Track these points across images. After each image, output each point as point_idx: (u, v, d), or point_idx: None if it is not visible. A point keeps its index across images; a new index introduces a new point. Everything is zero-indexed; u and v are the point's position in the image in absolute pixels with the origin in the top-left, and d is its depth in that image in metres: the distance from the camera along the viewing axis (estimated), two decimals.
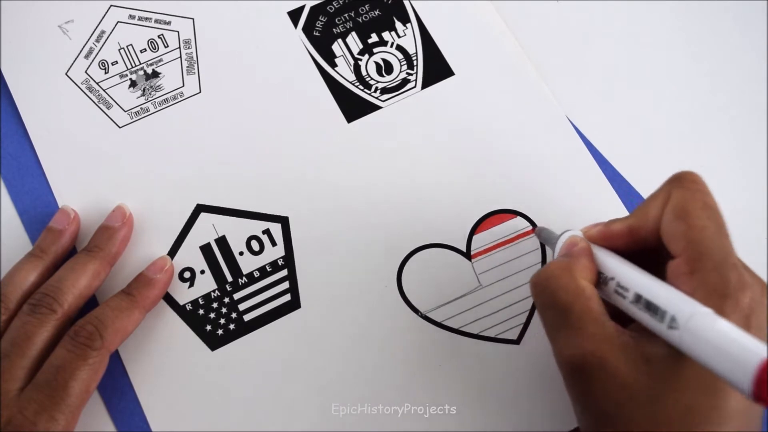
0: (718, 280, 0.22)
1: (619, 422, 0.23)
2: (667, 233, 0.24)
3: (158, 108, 0.36)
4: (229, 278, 0.33)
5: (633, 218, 0.26)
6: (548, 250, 0.33)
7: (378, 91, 0.36)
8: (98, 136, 0.35)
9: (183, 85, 0.36)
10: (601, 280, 0.26)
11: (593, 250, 0.26)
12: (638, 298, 0.23)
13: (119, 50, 0.37)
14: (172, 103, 0.36)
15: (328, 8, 0.38)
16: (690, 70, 0.37)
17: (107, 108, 0.36)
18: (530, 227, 0.34)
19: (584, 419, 0.25)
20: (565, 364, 0.24)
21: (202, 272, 0.33)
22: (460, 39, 0.37)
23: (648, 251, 0.26)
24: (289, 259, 0.33)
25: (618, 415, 0.23)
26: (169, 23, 0.37)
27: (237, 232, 0.34)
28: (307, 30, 0.37)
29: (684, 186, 0.25)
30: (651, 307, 0.23)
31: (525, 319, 0.32)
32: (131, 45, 0.37)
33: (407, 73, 0.37)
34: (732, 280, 0.22)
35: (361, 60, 0.37)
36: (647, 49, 0.38)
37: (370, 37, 0.37)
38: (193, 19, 0.37)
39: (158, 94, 0.36)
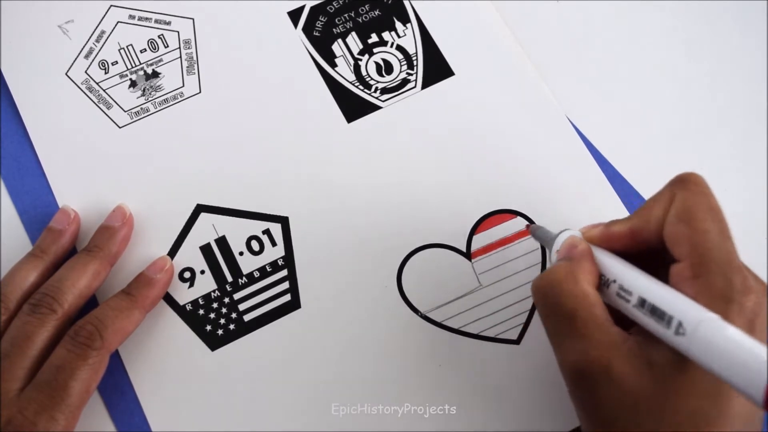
0: (722, 285, 0.22)
1: (624, 428, 0.22)
2: (670, 236, 0.24)
3: (158, 108, 0.36)
4: (229, 278, 0.33)
5: (635, 219, 0.26)
6: (547, 249, 0.33)
7: (378, 91, 0.36)
8: (98, 136, 0.35)
9: (183, 85, 0.36)
10: (602, 282, 0.25)
11: (594, 252, 0.26)
12: (642, 303, 0.23)
13: (119, 50, 0.37)
14: (172, 103, 0.36)
15: (328, 8, 0.38)
16: (690, 71, 0.37)
17: (107, 108, 0.36)
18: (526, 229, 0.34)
19: (588, 425, 0.24)
20: (570, 371, 0.24)
21: (202, 272, 0.33)
22: (460, 39, 0.37)
23: (648, 253, 0.26)
24: (289, 259, 0.33)
25: (623, 421, 0.22)
26: (169, 23, 0.37)
27: (237, 232, 0.34)
28: (307, 30, 0.37)
29: (688, 188, 0.24)
30: (656, 312, 0.22)
31: (525, 319, 0.32)
32: (131, 45, 0.37)
33: (407, 73, 0.37)
34: (736, 284, 0.22)
35: (361, 60, 0.37)
36: (647, 49, 0.38)
37: (370, 37, 0.37)
38: (193, 19, 0.37)
39: (158, 94, 0.36)
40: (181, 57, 0.37)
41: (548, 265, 0.28)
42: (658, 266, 0.25)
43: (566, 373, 0.25)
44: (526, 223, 0.34)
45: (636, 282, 0.24)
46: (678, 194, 0.24)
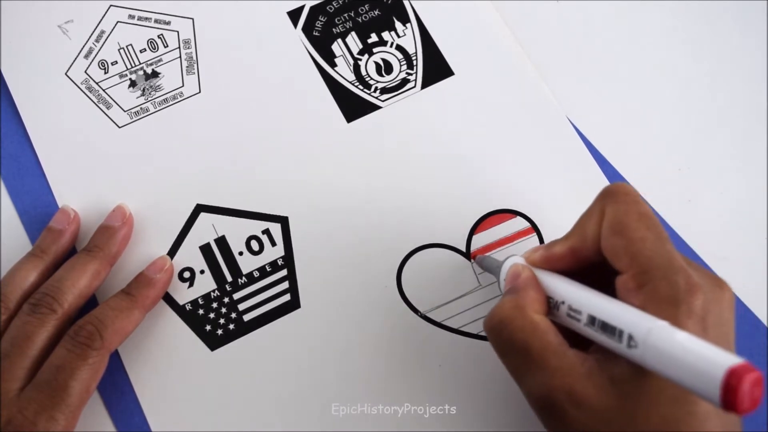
0: (667, 289, 0.22)
1: None
2: (608, 250, 0.24)
3: (158, 108, 0.36)
4: (229, 278, 0.33)
5: (572, 238, 0.26)
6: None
7: (378, 91, 0.36)
8: (98, 136, 0.35)
9: (183, 85, 0.36)
10: (552, 305, 0.25)
11: (539, 276, 0.26)
12: (592, 320, 0.23)
13: (119, 50, 0.37)
14: (171, 103, 0.36)
15: (327, 8, 0.38)
16: (690, 70, 0.37)
17: (107, 108, 0.36)
18: (530, 227, 0.34)
19: None
20: (536, 402, 0.24)
21: (202, 272, 0.33)
22: (459, 39, 0.37)
23: (593, 269, 0.25)
24: (288, 259, 0.33)
25: None
26: (168, 23, 0.37)
27: (237, 232, 0.34)
28: (307, 30, 0.37)
29: (617, 199, 0.24)
30: (606, 328, 0.22)
31: None
32: (131, 45, 0.37)
33: (407, 73, 0.37)
34: (681, 286, 0.22)
35: (360, 60, 0.37)
36: (647, 49, 0.38)
37: (370, 37, 0.37)
38: (192, 19, 0.37)
39: (158, 94, 0.36)
40: (180, 57, 0.37)
41: (502, 291, 0.28)
42: (606, 280, 0.24)
43: (533, 406, 0.24)
44: (526, 222, 0.34)
45: (583, 300, 0.24)
46: (608, 207, 0.24)
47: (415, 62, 0.37)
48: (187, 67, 0.36)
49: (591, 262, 0.25)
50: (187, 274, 0.33)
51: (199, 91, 0.36)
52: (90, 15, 0.37)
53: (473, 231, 0.34)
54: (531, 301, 0.25)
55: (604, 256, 0.24)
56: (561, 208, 0.34)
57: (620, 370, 0.22)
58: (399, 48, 0.37)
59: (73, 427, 0.28)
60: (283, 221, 0.34)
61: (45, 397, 0.27)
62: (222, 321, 0.32)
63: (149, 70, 0.36)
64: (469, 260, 0.33)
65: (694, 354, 0.19)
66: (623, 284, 0.23)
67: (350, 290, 0.33)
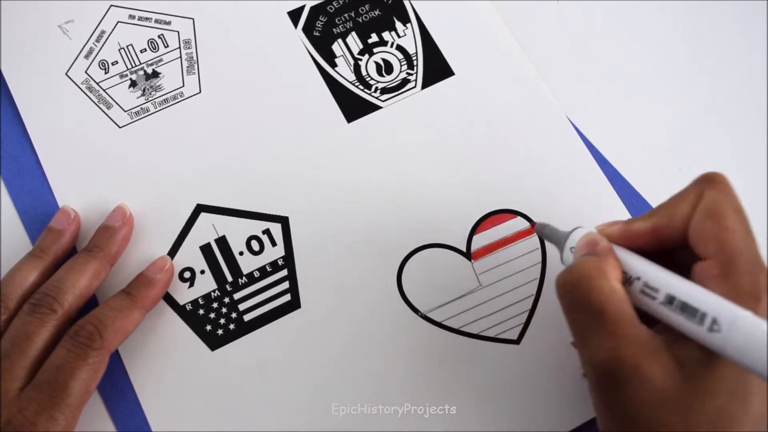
0: (751, 283, 0.22)
1: (647, 427, 0.22)
2: (696, 233, 0.24)
3: (158, 108, 0.36)
4: (229, 278, 0.33)
5: (657, 217, 0.25)
6: (549, 247, 0.33)
7: (378, 91, 0.36)
8: (98, 136, 0.35)
9: (183, 85, 0.36)
10: (625, 280, 0.25)
11: (614, 249, 0.26)
12: (671, 300, 0.23)
13: (119, 50, 0.37)
14: (172, 103, 0.36)
15: (328, 8, 0.38)
16: (690, 70, 0.37)
17: (107, 108, 0.36)
18: (530, 227, 0.34)
19: (608, 423, 0.24)
20: (597, 368, 0.24)
21: (202, 272, 0.33)
22: (460, 39, 0.37)
23: (664, 252, 0.25)
24: (289, 259, 0.33)
25: (649, 419, 0.22)
26: (169, 23, 0.37)
27: (237, 232, 0.34)
28: (307, 30, 0.37)
29: (716, 187, 0.24)
30: (687, 309, 0.22)
31: (525, 319, 0.32)
32: (131, 45, 0.37)
33: (407, 73, 0.37)
34: (764, 284, 0.22)
35: (361, 60, 0.37)
36: (647, 49, 0.38)
37: (370, 37, 0.37)
38: (193, 19, 0.37)
39: (158, 94, 0.36)
40: (181, 57, 0.37)
41: (564, 261, 0.27)
42: (674, 265, 0.24)
43: (592, 371, 0.24)
44: (527, 223, 0.34)
45: (663, 279, 0.23)
46: (706, 192, 0.24)
47: (415, 62, 0.37)
48: (187, 67, 0.36)
49: (667, 245, 0.25)
50: (187, 274, 0.33)
51: (200, 92, 0.36)
52: (90, 15, 0.37)
53: (473, 231, 0.34)
54: (612, 267, 0.25)
55: (686, 239, 0.24)
56: (561, 209, 0.34)
57: (687, 355, 0.22)
58: (399, 48, 0.37)
59: (73, 427, 0.28)
60: (284, 221, 0.34)
61: (45, 397, 0.27)
62: (222, 321, 0.32)
63: (150, 70, 0.36)
64: (470, 260, 0.33)
65: None
66: (704, 270, 0.23)
67: (350, 290, 0.33)
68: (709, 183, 0.25)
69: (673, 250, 0.25)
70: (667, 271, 0.24)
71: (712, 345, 0.21)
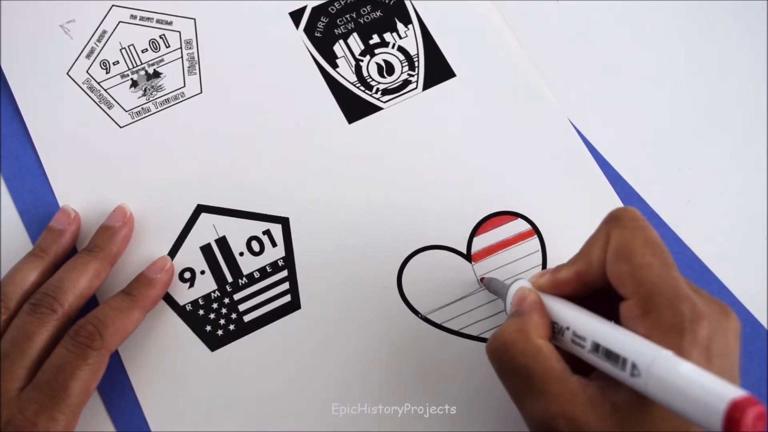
0: (672, 317, 0.22)
1: None
2: (613, 275, 0.24)
3: (159, 108, 0.36)
4: (230, 279, 0.33)
5: (579, 263, 0.25)
6: (550, 248, 0.33)
7: (379, 92, 0.36)
8: (99, 135, 0.35)
9: (184, 86, 0.36)
10: (556, 330, 0.25)
11: (545, 300, 0.26)
12: (596, 347, 0.23)
13: (121, 50, 0.37)
14: (173, 103, 0.36)
15: (329, 9, 0.38)
16: (690, 71, 0.37)
17: (108, 108, 0.36)
18: (531, 229, 0.34)
19: None
20: (535, 428, 0.24)
21: (203, 272, 0.33)
22: (461, 40, 0.37)
23: (601, 294, 0.25)
24: (289, 259, 0.33)
25: None
26: (170, 23, 0.37)
27: (237, 232, 0.34)
28: (309, 31, 0.37)
29: (623, 224, 0.24)
30: (610, 356, 0.22)
31: None
32: (132, 45, 0.37)
33: (408, 74, 0.37)
34: (686, 314, 0.22)
35: (362, 61, 0.37)
36: (647, 49, 0.38)
37: (372, 38, 0.37)
38: (194, 19, 0.37)
39: (159, 94, 0.36)
40: (182, 57, 0.37)
41: (509, 313, 0.28)
42: (612, 307, 0.24)
43: (533, 429, 0.24)
44: (527, 224, 0.34)
45: (588, 327, 0.24)
46: (613, 232, 0.24)
47: (416, 63, 0.37)
48: (188, 67, 0.36)
49: (597, 288, 0.25)
50: (187, 275, 0.33)
51: (201, 92, 0.36)
52: (92, 15, 0.37)
53: (474, 233, 0.34)
54: (535, 325, 0.25)
55: (609, 281, 0.24)
56: (562, 210, 0.34)
57: (622, 398, 0.22)
58: (401, 49, 0.37)
59: (73, 427, 0.28)
60: (284, 222, 0.34)
61: (45, 397, 0.27)
62: (222, 321, 0.32)
63: (151, 70, 0.36)
64: (470, 262, 0.33)
65: (697, 385, 0.19)
66: (627, 310, 0.23)
67: (351, 291, 0.33)
68: (615, 222, 0.24)
69: (609, 291, 0.25)
70: (594, 318, 0.24)
71: (637, 388, 0.21)
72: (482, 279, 0.33)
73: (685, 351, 0.21)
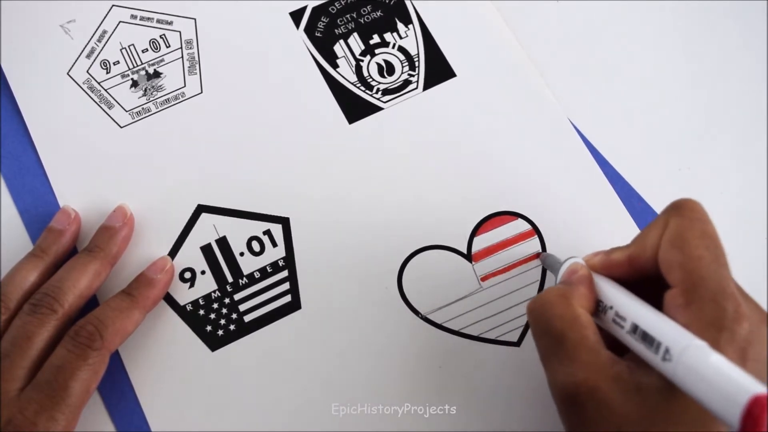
0: (714, 312, 0.22)
1: None
2: (664, 262, 0.24)
3: (160, 108, 0.36)
4: (230, 279, 0.33)
5: (632, 247, 0.26)
6: (550, 249, 0.33)
7: (379, 92, 0.36)
8: (100, 135, 0.35)
9: (184, 86, 0.36)
10: (600, 308, 0.26)
11: (594, 279, 0.26)
12: (635, 329, 0.23)
13: (121, 50, 0.37)
14: (173, 103, 0.36)
15: (330, 9, 0.38)
16: (690, 71, 0.38)
17: (109, 108, 0.36)
18: (531, 229, 0.34)
19: None
20: (558, 392, 0.24)
21: (203, 273, 0.33)
22: (461, 40, 0.37)
23: (650, 280, 0.25)
24: (289, 260, 0.33)
25: None
26: (170, 23, 0.37)
27: (238, 232, 0.34)
28: (309, 31, 0.37)
29: (682, 214, 0.24)
30: (646, 338, 0.23)
31: (525, 321, 0.32)
32: (133, 45, 0.37)
33: (409, 75, 0.37)
34: (728, 312, 0.22)
35: (362, 61, 0.37)
36: (647, 49, 0.38)
37: (372, 38, 0.37)
38: (195, 19, 0.37)
39: (160, 94, 0.36)
40: (182, 57, 0.37)
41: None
42: (658, 293, 0.25)
43: (555, 394, 0.25)
44: (527, 224, 0.34)
45: (629, 308, 0.24)
46: (671, 221, 0.24)
47: (417, 63, 0.37)
48: (189, 67, 0.36)
49: (648, 274, 0.25)
50: (187, 275, 0.33)
51: (201, 92, 0.36)
52: (92, 15, 0.37)
53: (474, 233, 0.34)
54: (579, 295, 0.25)
55: (659, 268, 0.24)
56: (562, 210, 0.34)
57: (649, 381, 0.22)
58: (401, 49, 0.37)
59: (73, 428, 0.28)
60: (284, 222, 0.34)
61: (45, 397, 0.27)
62: (222, 322, 0.32)
63: (151, 70, 0.36)
64: (470, 262, 0.33)
65: (724, 376, 0.20)
66: (672, 299, 0.23)
67: (351, 291, 0.33)
68: (675, 210, 0.25)
69: (657, 279, 0.25)
70: (638, 301, 0.24)
71: (666, 373, 0.22)
72: (539, 254, 0.33)
73: (721, 347, 0.21)
